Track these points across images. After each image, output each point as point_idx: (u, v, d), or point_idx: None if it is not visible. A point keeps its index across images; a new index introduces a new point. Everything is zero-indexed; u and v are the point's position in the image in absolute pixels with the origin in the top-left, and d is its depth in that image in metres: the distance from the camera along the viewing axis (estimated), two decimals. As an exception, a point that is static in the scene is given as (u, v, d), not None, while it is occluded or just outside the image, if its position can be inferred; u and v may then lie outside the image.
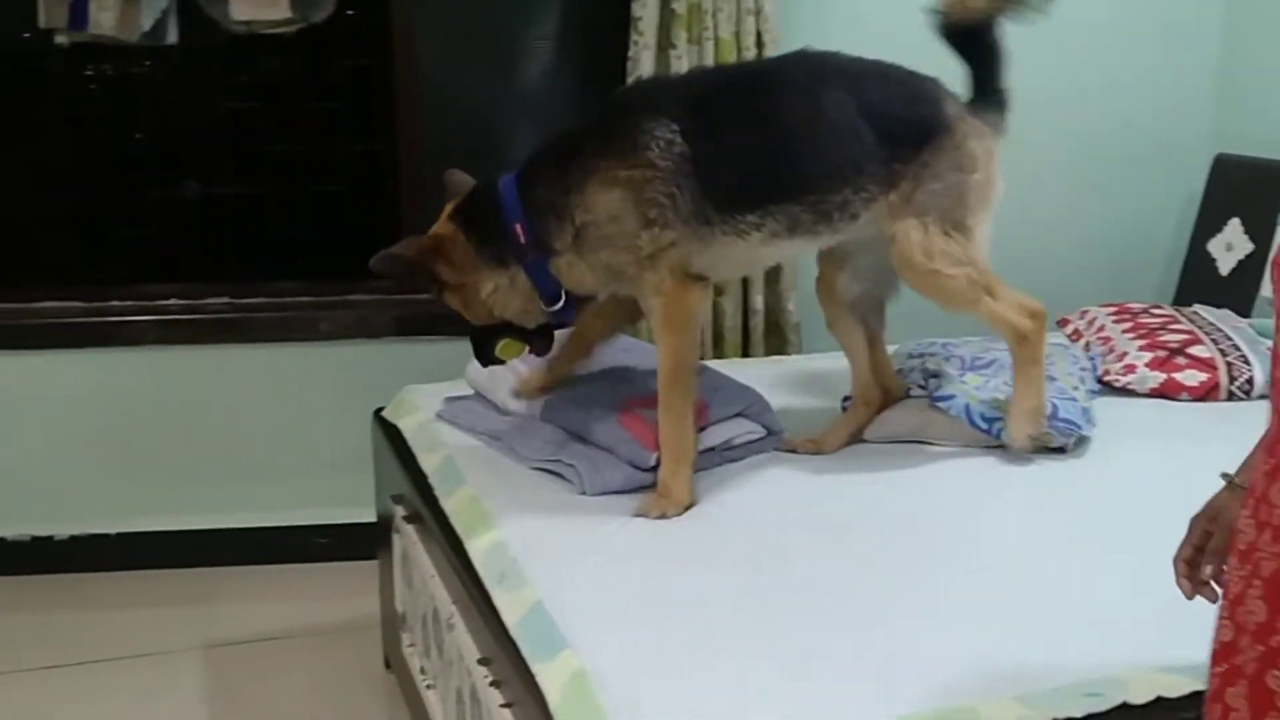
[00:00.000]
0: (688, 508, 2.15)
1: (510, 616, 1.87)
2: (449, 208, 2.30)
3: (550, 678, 1.69)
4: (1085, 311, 3.07)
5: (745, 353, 3.33)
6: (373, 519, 3.05)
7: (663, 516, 2.12)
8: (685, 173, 2.12)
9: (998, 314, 2.28)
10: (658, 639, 1.72)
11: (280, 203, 3.77)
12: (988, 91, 2.34)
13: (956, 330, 2.69)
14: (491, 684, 1.88)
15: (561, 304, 2.24)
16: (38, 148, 3.62)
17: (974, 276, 2.25)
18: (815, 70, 2.27)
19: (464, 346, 2.90)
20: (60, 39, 3.36)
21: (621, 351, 2.60)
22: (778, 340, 3.36)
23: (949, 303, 2.28)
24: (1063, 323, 3.09)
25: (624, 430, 2.28)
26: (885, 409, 2.46)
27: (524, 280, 2.21)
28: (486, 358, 2.34)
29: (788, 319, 3.34)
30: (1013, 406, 2.31)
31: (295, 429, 3.41)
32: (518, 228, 2.18)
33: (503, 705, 1.82)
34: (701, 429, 2.28)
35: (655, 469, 2.21)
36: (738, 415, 2.36)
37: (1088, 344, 2.91)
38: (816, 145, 2.19)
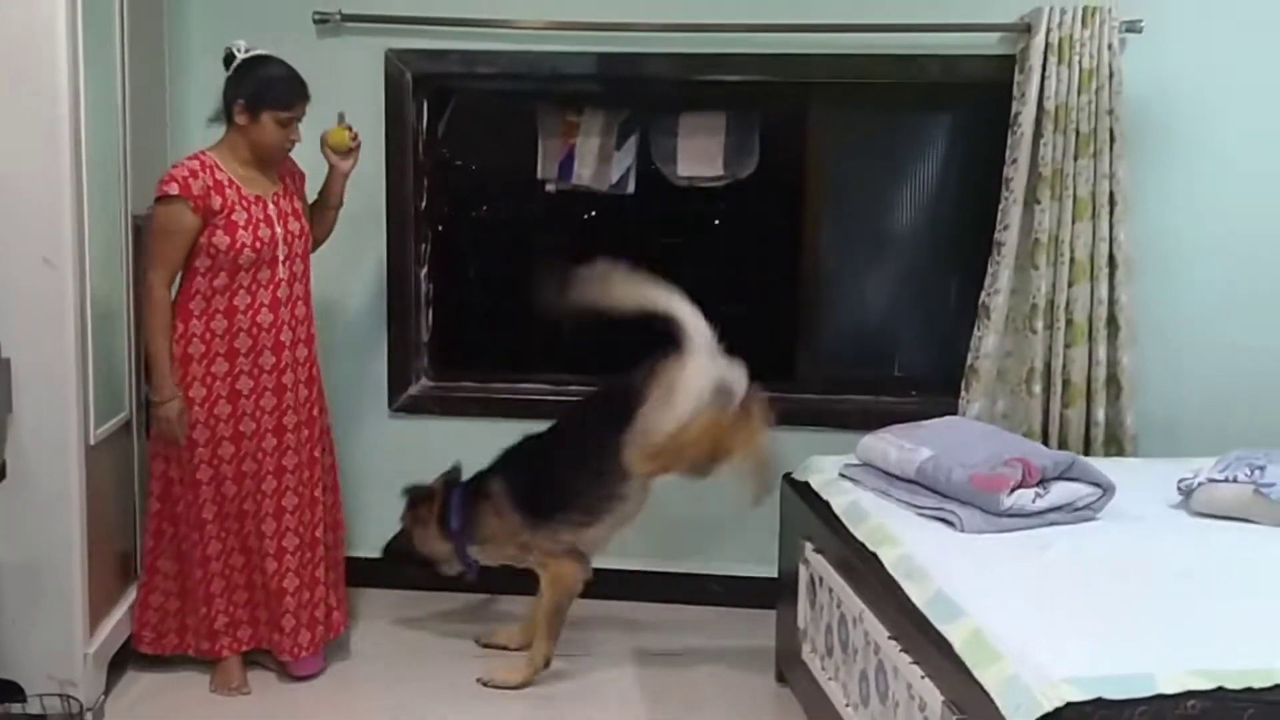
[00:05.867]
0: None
1: (918, 600, 2.58)
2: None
3: (954, 634, 2.38)
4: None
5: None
6: (760, 574, 3.87)
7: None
8: None
9: None
10: (1031, 610, 2.40)
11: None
12: None
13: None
14: (901, 650, 2.58)
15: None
16: (523, 266, 4.72)
17: None
18: None
19: (835, 437, 3.82)
20: (550, 187, 4.46)
21: (951, 429, 3.34)
22: (1115, 449, 3.92)
23: None
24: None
25: (976, 488, 2.99)
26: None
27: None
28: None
29: (1126, 431, 3.91)
30: None
31: (709, 497, 4.23)
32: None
33: (911, 663, 2.52)
34: (1039, 483, 2.96)
35: (1007, 514, 2.92)
36: (1068, 479, 3.01)
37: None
38: None
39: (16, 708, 3.11)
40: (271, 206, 3.38)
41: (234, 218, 3.28)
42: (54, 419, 3.12)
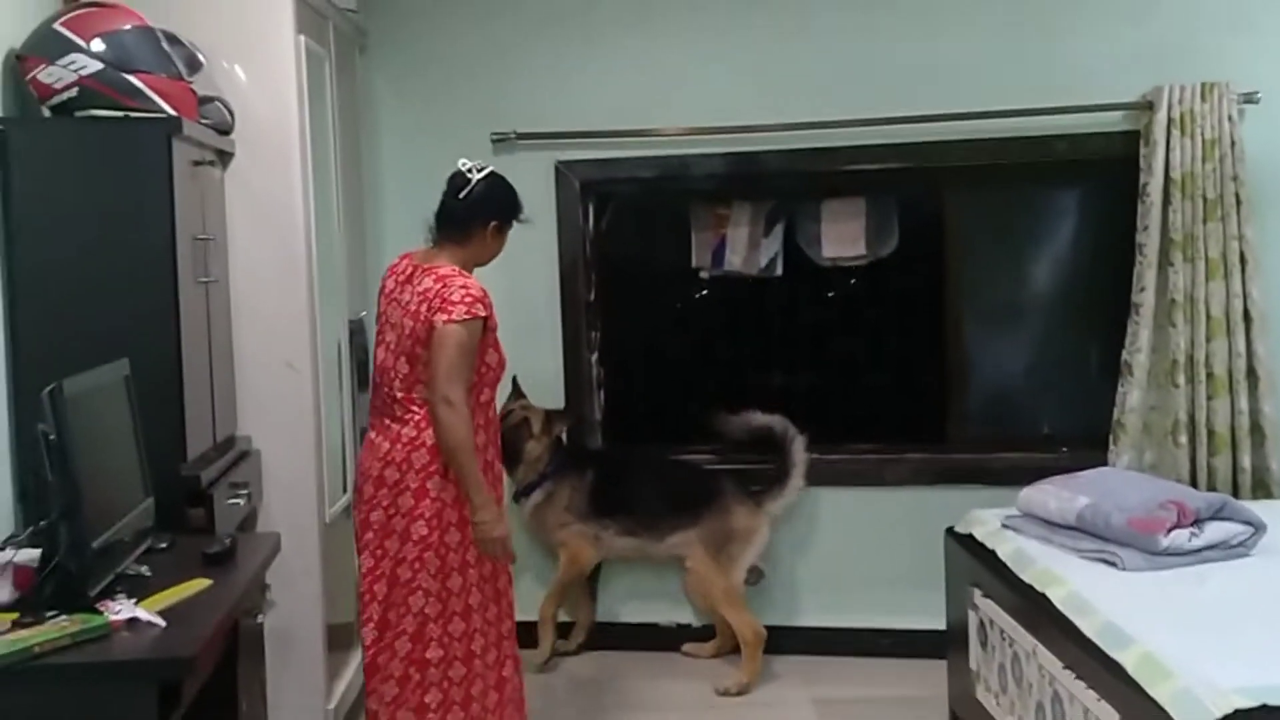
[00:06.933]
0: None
1: (1089, 631, 2.83)
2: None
3: (1126, 659, 2.62)
4: None
5: (1235, 503, 4.11)
6: (925, 626, 4.11)
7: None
8: None
9: None
10: (1195, 634, 2.64)
11: (847, 385, 5.01)
12: None
13: None
14: (1076, 678, 2.83)
15: None
16: (683, 348, 5.10)
17: None
18: None
19: (988, 492, 4.04)
20: (704, 274, 4.86)
21: (1106, 478, 3.59)
22: (1263, 494, 4.10)
23: None
24: None
25: (1135, 530, 3.23)
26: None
27: None
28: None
29: (1272, 476, 4.09)
30: None
31: (868, 553, 4.51)
32: None
33: (1086, 689, 2.76)
34: (1194, 523, 3.20)
35: (1165, 554, 3.15)
36: (1221, 519, 3.24)
37: None
38: None
39: (270, 762, 3.51)
40: None
41: (498, 334, 3.32)
42: (298, 503, 3.56)
